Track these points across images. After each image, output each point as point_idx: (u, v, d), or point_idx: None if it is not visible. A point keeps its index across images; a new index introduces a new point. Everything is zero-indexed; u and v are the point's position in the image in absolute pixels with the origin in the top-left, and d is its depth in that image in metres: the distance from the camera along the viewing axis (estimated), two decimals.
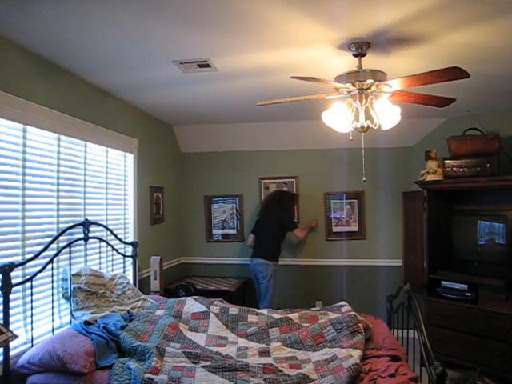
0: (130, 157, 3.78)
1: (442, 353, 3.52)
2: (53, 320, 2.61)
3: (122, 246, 3.55)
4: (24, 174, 2.45)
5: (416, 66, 2.63)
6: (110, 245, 3.32)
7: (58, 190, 2.78)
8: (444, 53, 2.50)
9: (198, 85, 3.17)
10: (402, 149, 4.72)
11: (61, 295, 2.72)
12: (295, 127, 4.58)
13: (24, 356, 2.19)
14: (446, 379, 1.88)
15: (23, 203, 2.43)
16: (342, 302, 3.04)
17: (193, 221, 5.13)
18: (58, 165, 2.78)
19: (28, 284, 2.40)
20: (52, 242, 2.63)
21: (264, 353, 2.43)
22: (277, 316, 2.88)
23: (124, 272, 3.55)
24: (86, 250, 3.00)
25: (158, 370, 2.09)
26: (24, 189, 2.44)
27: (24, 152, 2.45)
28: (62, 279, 2.74)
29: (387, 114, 2.36)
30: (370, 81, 2.27)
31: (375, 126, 2.41)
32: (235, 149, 4.99)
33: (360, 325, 2.57)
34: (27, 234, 2.46)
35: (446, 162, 3.81)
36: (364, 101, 2.35)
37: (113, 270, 3.36)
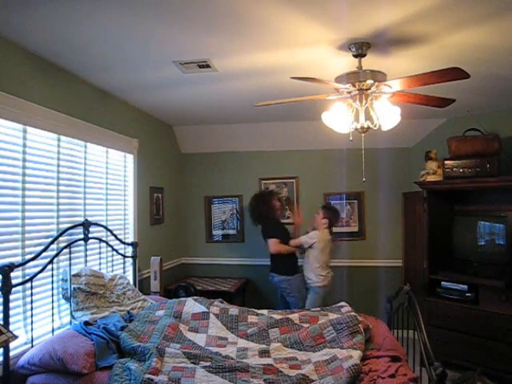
0: (130, 157, 3.78)
1: (442, 353, 3.52)
2: (53, 320, 2.61)
3: (122, 246, 3.55)
4: (24, 174, 2.45)
5: (416, 67, 2.63)
6: (109, 245, 3.32)
7: (58, 191, 2.78)
8: (444, 53, 2.50)
9: (197, 85, 3.17)
10: (401, 149, 4.72)
11: (61, 296, 2.72)
12: (295, 127, 4.58)
13: (24, 356, 2.19)
14: (445, 380, 1.88)
15: (23, 203, 2.43)
16: (342, 303, 3.04)
17: (193, 221, 5.12)
18: (58, 165, 2.78)
19: (28, 284, 2.40)
20: (52, 243, 2.63)
21: (264, 353, 2.43)
22: (277, 316, 2.87)
23: (124, 272, 3.55)
24: (86, 250, 3.00)
25: (158, 370, 2.09)
26: (24, 189, 2.44)
27: (24, 152, 2.45)
28: (62, 280, 2.74)
29: (387, 115, 2.36)
30: (370, 81, 2.27)
31: (375, 126, 2.41)
32: (235, 149, 4.99)
33: (360, 325, 2.57)
34: (27, 234, 2.46)
35: (445, 162, 3.81)
36: (364, 101, 2.35)
37: (113, 271, 3.36)
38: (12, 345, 2.16)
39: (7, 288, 2.18)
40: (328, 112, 2.47)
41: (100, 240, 3.20)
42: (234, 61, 2.63)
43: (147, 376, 2.01)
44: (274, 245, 3.97)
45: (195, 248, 5.11)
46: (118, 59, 2.63)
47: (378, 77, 2.29)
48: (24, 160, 2.45)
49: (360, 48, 2.33)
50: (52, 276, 2.63)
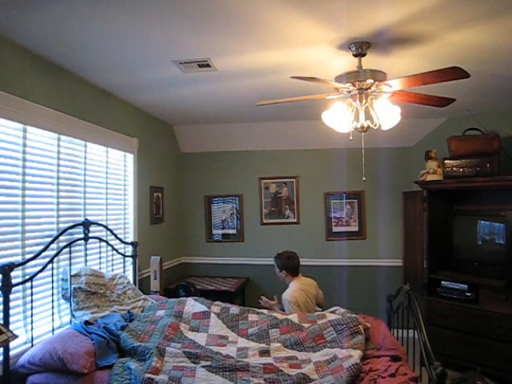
0: (130, 157, 3.78)
1: (442, 353, 3.51)
2: (53, 320, 2.61)
3: (122, 245, 3.55)
4: (24, 174, 2.44)
5: (416, 66, 2.63)
6: (110, 245, 3.32)
7: (58, 190, 2.78)
8: (444, 53, 2.50)
9: (198, 85, 3.17)
10: (402, 149, 4.72)
11: (60, 295, 2.72)
12: (295, 127, 4.57)
13: (24, 356, 2.19)
14: (446, 379, 1.87)
15: (23, 203, 2.43)
16: (335, 307, 3.03)
17: (193, 221, 5.12)
18: (58, 165, 2.78)
19: (28, 284, 2.40)
20: (52, 242, 2.62)
21: (264, 353, 2.43)
22: (277, 316, 2.87)
23: (124, 272, 3.55)
24: (86, 250, 3.00)
25: (158, 370, 2.09)
26: (24, 189, 2.44)
27: (24, 152, 2.45)
28: (62, 279, 2.74)
29: (387, 114, 2.36)
30: (370, 81, 2.27)
31: (375, 125, 2.41)
32: (235, 149, 4.98)
33: (360, 326, 2.57)
34: (27, 234, 2.46)
35: (445, 161, 3.81)
36: (364, 101, 2.35)
37: (113, 270, 3.36)
38: (12, 344, 2.16)
39: (7, 287, 2.18)
40: (328, 111, 2.47)
41: (100, 239, 3.20)
42: (234, 60, 2.63)
43: (147, 375, 2.01)
44: None
45: (195, 247, 5.11)
46: (118, 59, 2.63)
47: (378, 76, 2.29)
48: (24, 160, 2.45)
49: (360, 47, 2.33)
50: (52, 275, 2.63)
